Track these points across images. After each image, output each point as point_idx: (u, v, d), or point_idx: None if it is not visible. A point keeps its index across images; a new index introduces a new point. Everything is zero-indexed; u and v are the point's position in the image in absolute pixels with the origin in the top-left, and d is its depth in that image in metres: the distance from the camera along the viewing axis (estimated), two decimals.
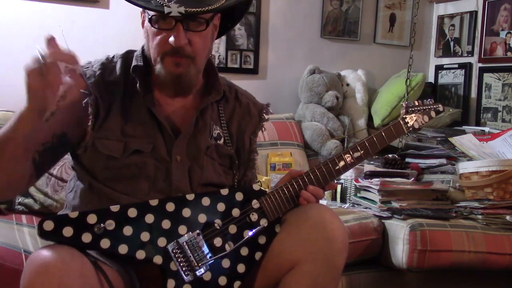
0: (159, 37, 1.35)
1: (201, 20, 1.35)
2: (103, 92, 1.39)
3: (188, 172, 1.42)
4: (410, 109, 1.58)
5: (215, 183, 1.46)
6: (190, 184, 1.41)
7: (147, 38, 1.41)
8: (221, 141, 1.49)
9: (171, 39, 1.32)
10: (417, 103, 1.61)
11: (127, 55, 1.48)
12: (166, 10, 1.28)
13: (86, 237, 1.19)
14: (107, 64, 1.45)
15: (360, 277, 2.17)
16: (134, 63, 1.43)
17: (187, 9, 1.29)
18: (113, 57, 1.48)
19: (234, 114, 1.55)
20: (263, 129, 1.62)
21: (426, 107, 1.61)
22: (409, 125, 1.56)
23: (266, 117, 1.61)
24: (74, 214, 1.20)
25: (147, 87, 1.42)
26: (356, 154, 1.48)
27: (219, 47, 3.08)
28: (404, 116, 1.57)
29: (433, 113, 1.62)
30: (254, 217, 1.36)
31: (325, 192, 2.56)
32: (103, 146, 1.37)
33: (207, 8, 1.32)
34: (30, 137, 1.22)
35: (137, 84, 1.40)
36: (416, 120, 1.57)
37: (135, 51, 1.49)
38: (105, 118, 1.38)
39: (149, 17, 1.36)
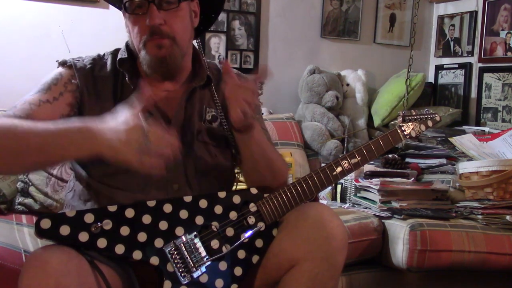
0: (137, 25, 1.38)
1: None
2: (90, 86, 1.41)
3: (182, 160, 1.41)
4: (407, 117, 1.60)
5: (210, 165, 1.46)
6: (185, 172, 1.41)
7: (129, 31, 1.43)
8: (217, 122, 1.49)
9: (147, 21, 1.35)
10: (414, 112, 1.62)
11: (116, 52, 1.50)
12: None
13: (83, 236, 1.19)
14: (98, 60, 1.47)
15: (360, 277, 2.17)
16: (118, 57, 1.45)
17: None
18: (104, 54, 1.50)
19: None
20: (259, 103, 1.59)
21: (423, 116, 1.62)
22: (406, 133, 1.58)
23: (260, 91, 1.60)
24: (71, 213, 1.20)
25: (136, 79, 1.42)
26: (354, 161, 1.48)
27: (219, 47, 3.08)
28: (401, 125, 1.59)
29: (430, 123, 1.63)
30: (251, 220, 1.36)
31: (325, 192, 2.59)
32: None
33: None
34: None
35: (126, 78, 1.42)
36: (413, 129, 1.59)
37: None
38: (92, 113, 1.38)
39: (123, 4, 1.39)
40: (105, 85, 1.43)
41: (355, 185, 2.42)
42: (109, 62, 1.47)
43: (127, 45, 1.49)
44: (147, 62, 1.39)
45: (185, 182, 1.41)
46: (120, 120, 1.18)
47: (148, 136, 1.15)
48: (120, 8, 1.45)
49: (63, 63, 1.44)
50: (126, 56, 1.45)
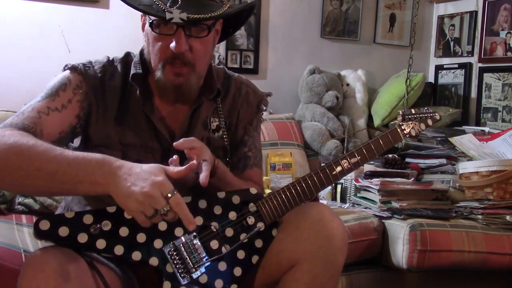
0: (160, 43, 1.34)
1: (203, 26, 1.34)
2: (100, 96, 1.38)
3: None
4: (407, 116, 1.59)
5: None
6: (188, 185, 1.40)
7: (148, 42, 1.39)
8: (219, 133, 1.49)
9: (172, 44, 1.31)
10: (413, 111, 1.61)
11: (126, 60, 1.47)
12: (168, 16, 1.27)
13: (82, 237, 1.18)
14: (108, 67, 1.43)
15: (360, 277, 2.17)
16: (133, 70, 1.42)
17: (189, 16, 1.27)
18: (113, 60, 1.46)
19: (234, 104, 1.54)
20: (261, 119, 1.60)
21: (423, 115, 1.61)
22: (405, 132, 1.57)
23: (265, 107, 1.60)
24: (70, 214, 1.20)
25: (146, 94, 1.41)
26: (353, 160, 1.47)
27: (219, 47, 3.08)
28: (400, 124, 1.58)
29: (429, 121, 1.62)
30: (251, 220, 1.35)
31: (325, 192, 2.58)
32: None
33: (209, 15, 1.31)
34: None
35: (137, 91, 1.40)
36: (412, 128, 1.58)
37: (133, 53, 1.48)
38: (100, 123, 1.38)
39: (150, 21, 1.34)
40: (114, 96, 1.40)
41: (355, 185, 2.42)
42: (119, 70, 1.44)
43: (141, 55, 1.45)
44: (162, 84, 1.37)
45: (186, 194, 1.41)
46: (146, 169, 1.15)
47: (169, 203, 1.13)
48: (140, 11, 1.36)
49: (73, 69, 1.39)
50: (140, 71, 1.42)
